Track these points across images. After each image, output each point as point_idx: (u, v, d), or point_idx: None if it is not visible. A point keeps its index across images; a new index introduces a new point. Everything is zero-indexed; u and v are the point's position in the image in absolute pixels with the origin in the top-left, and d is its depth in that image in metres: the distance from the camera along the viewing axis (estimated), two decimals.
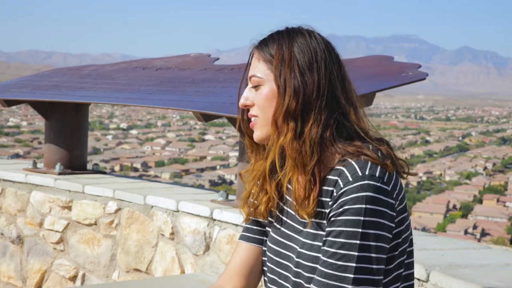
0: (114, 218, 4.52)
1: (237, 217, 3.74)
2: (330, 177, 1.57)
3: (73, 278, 4.76)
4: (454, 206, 57.85)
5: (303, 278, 1.59)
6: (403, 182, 1.61)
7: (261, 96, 1.61)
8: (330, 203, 1.55)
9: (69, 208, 4.75)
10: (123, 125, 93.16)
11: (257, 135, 1.64)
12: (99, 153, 65.83)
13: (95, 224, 4.62)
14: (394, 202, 1.52)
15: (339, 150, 1.56)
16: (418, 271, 2.70)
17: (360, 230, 1.48)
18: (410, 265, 1.63)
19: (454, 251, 3.09)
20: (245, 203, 1.74)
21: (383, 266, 1.51)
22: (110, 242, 4.56)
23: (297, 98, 1.56)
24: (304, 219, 1.61)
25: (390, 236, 1.53)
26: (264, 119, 1.61)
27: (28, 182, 5.00)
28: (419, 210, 53.59)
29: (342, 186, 1.52)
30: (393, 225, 1.53)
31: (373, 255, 1.49)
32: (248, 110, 1.66)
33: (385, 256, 1.52)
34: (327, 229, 1.53)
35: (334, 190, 1.54)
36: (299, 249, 1.61)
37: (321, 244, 1.55)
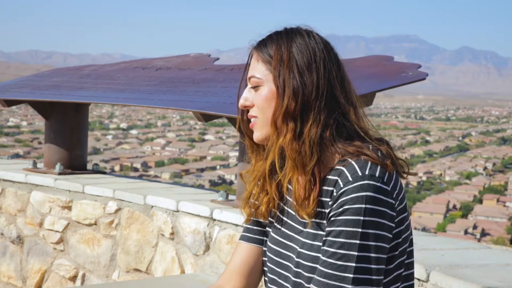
0: (114, 218, 4.52)
1: (237, 217, 3.74)
2: (330, 177, 1.57)
3: (73, 278, 4.76)
4: (454, 206, 57.85)
5: (303, 278, 1.59)
6: (403, 182, 1.61)
7: (260, 97, 1.61)
8: (330, 203, 1.55)
9: (69, 208, 4.75)
10: (123, 125, 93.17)
11: (257, 135, 1.64)
12: (99, 153, 65.84)
13: (95, 224, 4.62)
14: (394, 202, 1.53)
15: (339, 150, 1.56)
16: (418, 271, 2.70)
17: (360, 230, 1.48)
18: (410, 265, 1.63)
19: (454, 251, 3.09)
20: (246, 203, 1.74)
21: (383, 266, 1.51)
22: (110, 242, 4.56)
23: (296, 98, 1.56)
24: (304, 219, 1.61)
25: (390, 236, 1.53)
26: (263, 120, 1.61)
27: (28, 182, 5.00)
28: (419, 210, 53.60)
29: (342, 186, 1.52)
30: (393, 225, 1.53)
31: (373, 255, 1.49)
32: (248, 111, 1.66)
33: (385, 256, 1.52)
34: (327, 229, 1.53)
35: (334, 190, 1.54)
36: (299, 249, 1.61)
37: (321, 244, 1.56)
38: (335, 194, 1.54)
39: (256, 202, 1.71)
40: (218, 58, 5.12)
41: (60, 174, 4.96)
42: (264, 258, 1.74)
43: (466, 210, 55.82)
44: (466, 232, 45.90)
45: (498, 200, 59.70)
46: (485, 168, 76.02)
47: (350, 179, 1.51)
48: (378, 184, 1.50)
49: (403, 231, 1.57)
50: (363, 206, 1.49)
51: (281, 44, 1.60)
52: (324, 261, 1.52)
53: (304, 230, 1.62)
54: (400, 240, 1.56)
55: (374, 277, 1.49)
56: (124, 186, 4.67)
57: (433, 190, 65.32)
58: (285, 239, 1.67)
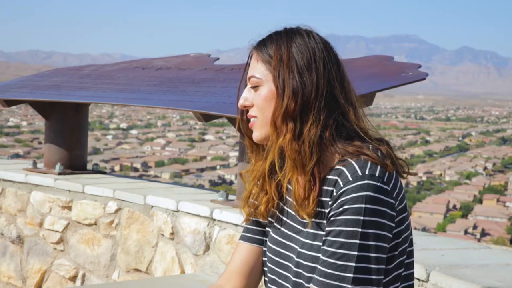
0: (114, 218, 4.52)
1: (237, 217, 3.74)
2: (330, 177, 1.57)
3: (73, 278, 4.76)
4: (454, 206, 57.85)
5: (303, 278, 1.59)
6: (403, 182, 1.61)
7: (260, 97, 1.61)
8: (330, 202, 1.55)
9: (69, 208, 4.75)
10: (123, 125, 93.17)
11: (256, 135, 1.64)
12: (99, 153, 65.83)
13: (95, 224, 4.62)
14: (394, 201, 1.53)
15: (338, 150, 1.56)
16: (418, 271, 2.70)
17: (359, 229, 1.48)
18: (410, 265, 1.63)
19: (454, 251, 3.09)
20: (245, 203, 1.74)
21: (383, 266, 1.51)
22: (110, 242, 4.56)
23: (296, 98, 1.56)
24: (304, 219, 1.61)
25: (390, 235, 1.53)
26: (263, 120, 1.61)
27: (28, 182, 5.00)
28: (419, 210, 53.59)
29: (342, 185, 1.52)
30: (393, 224, 1.53)
31: (373, 254, 1.49)
32: (248, 111, 1.66)
33: (385, 256, 1.52)
34: (327, 228, 1.53)
35: (334, 190, 1.54)
36: (299, 249, 1.61)
37: (321, 244, 1.56)
38: (335, 194, 1.54)
39: (256, 202, 1.71)
40: (218, 58, 5.12)
41: (60, 174, 4.96)
42: (264, 258, 1.74)
43: (466, 210, 55.82)
44: (466, 232, 45.91)
45: (498, 200, 59.70)
46: (485, 168, 76.02)
47: (350, 179, 1.51)
48: (378, 184, 1.50)
49: (403, 231, 1.57)
50: (363, 206, 1.49)
51: (281, 44, 1.60)
52: (324, 260, 1.51)
53: (304, 230, 1.62)
54: (400, 240, 1.56)
55: (374, 277, 1.49)
56: (124, 186, 4.67)
57: (433, 190, 65.32)
58: (285, 239, 1.67)
